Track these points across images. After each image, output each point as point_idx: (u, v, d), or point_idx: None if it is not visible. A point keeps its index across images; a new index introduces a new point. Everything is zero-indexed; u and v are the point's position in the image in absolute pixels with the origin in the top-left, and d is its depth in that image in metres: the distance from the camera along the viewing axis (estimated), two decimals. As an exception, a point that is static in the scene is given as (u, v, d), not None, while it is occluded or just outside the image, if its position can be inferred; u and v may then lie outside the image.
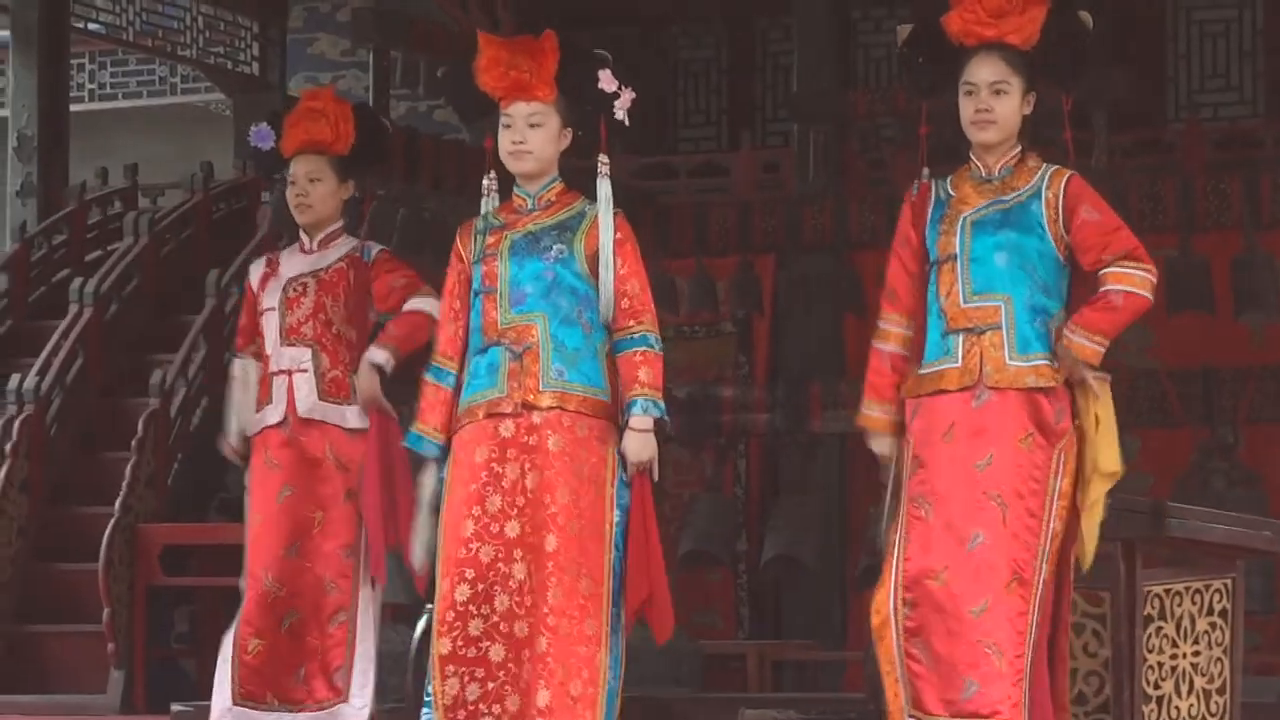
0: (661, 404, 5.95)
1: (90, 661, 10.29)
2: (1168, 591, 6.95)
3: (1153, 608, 6.89)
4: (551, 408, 5.95)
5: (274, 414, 6.87)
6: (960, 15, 5.65)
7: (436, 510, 6.12)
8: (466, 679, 5.94)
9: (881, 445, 5.80)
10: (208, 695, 7.50)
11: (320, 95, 7.11)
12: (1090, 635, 6.83)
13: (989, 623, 5.59)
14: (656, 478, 6.02)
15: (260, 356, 7.05)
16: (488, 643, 5.86)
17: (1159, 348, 11.01)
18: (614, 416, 5.99)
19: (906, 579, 5.64)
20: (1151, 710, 6.86)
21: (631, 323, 6.00)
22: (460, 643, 5.88)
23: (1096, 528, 5.73)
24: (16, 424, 10.41)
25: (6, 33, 13.60)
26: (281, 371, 6.91)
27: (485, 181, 6.22)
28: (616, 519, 5.99)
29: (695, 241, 11.29)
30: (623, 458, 5.93)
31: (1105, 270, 5.52)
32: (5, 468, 10.34)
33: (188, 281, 11.77)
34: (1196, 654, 7.10)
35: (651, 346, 6.00)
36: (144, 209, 12.53)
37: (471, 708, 5.94)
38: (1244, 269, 10.73)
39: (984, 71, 5.58)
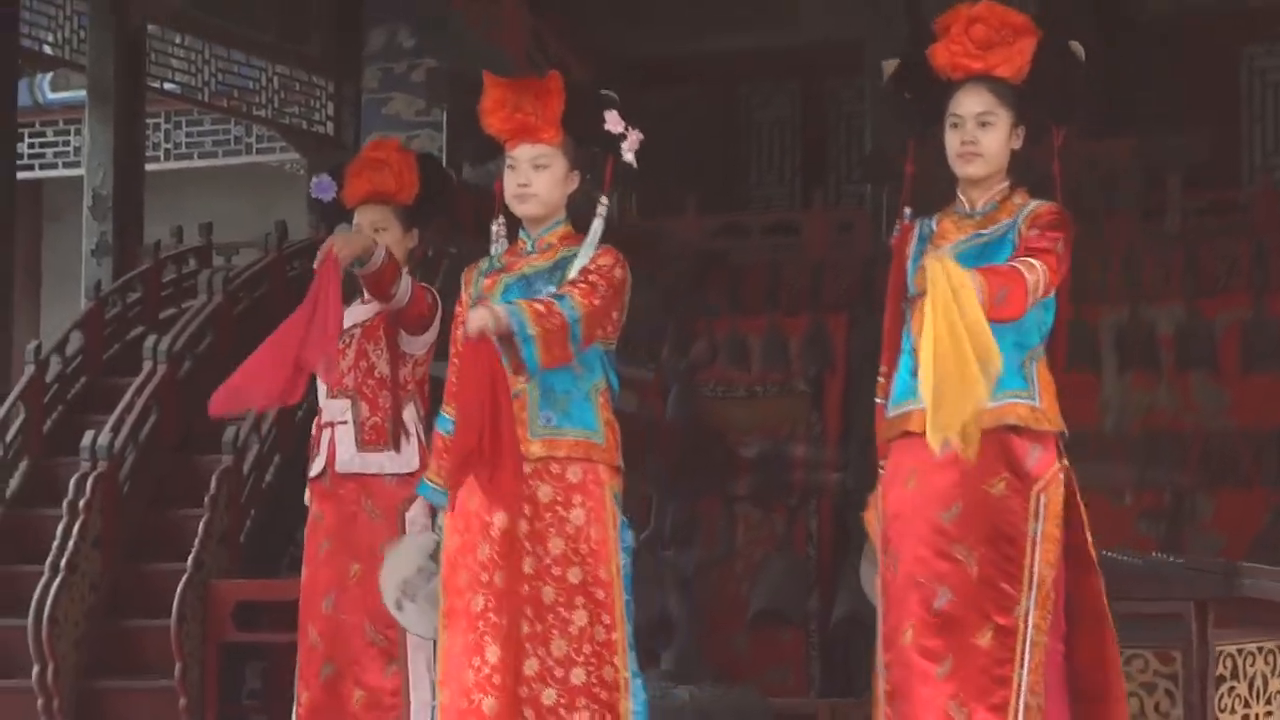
0: (529, 330, 5.80)
1: (161, 718, 10.24)
2: (1240, 651, 7.05)
3: (1225, 667, 7.01)
4: (540, 457, 5.91)
5: (317, 466, 6.91)
6: (947, 47, 5.61)
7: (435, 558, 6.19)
8: None
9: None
10: (278, 750, 7.31)
11: (384, 145, 7.14)
12: (1163, 694, 6.99)
13: (952, 678, 5.51)
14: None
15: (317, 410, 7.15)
16: (479, 695, 5.85)
17: (1234, 408, 10.95)
18: (610, 460, 5.97)
19: (883, 640, 5.59)
20: None
21: (560, 290, 5.97)
22: (456, 692, 5.93)
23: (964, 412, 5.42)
24: (90, 480, 10.31)
25: (83, 92, 13.61)
26: (327, 424, 6.94)
27: (494, 226, 6.22)
28: (622, 562, 5.98)
29: (767, 300, 11.32)
30: (618, 500, 5.92)
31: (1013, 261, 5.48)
32: (79, 524, 10.28)
33: (261, 339, 11.31)
34: (1269, 714, 7.21)
35: (567, 308, 5.86)
36: (218, 267, 12.61)
37: None
38: (1321, 329, 10.75)
39: (970, 103, 5.54)
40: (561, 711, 5.88)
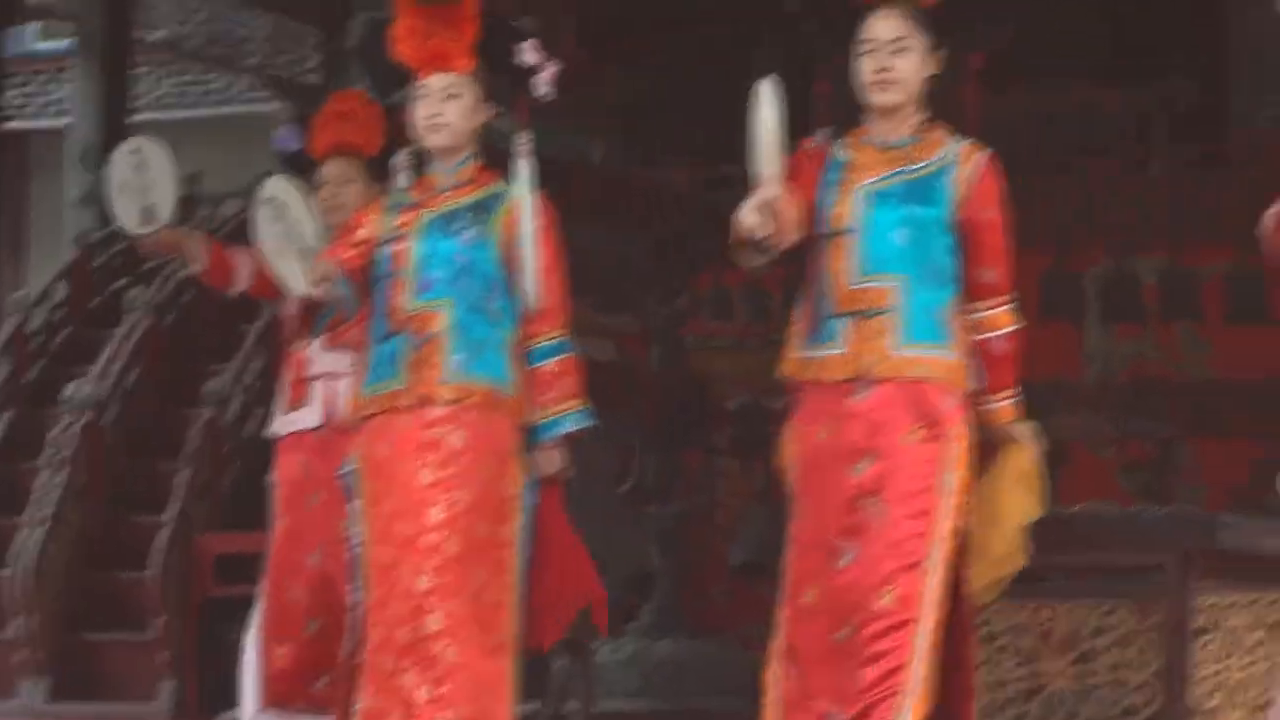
0: (581, 410, 5.85)
1: (143, 670, 10.32)
2: (1220, 604, 7.04)
3: (1205, 620, 6.98)
4: (452, 401, 5.84)
5: (311, 418, 6.78)
6: None
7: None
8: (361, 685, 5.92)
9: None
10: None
11: (349, 97, 7.03)
12: (1141, 647, 7.02)
13: (851, 642, 5.39)
14: (568, 476, 5.91)
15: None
16: (383, 655, 5.83)
17: (1216, 358, 11.02)
18: (519, 414, 5.90)
19: (785, 594, 5.46)
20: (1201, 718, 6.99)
21: (548, 328, 5.90)
22: (374, 643, 5.87)
23: (1000, 574, 5.60)
24: (74, 431, 10.36)
25: (70, 42, 13.79)
26: (321, 376, 6.82)
27: (400, 157, 6.10)
28: (520, 523, 5.91)
29: (750, 253, 11.23)
30: (528, 459, 5.86)
31: (981, 314, 5.40)
32: (64, 474, 10.30)
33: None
34: (1250, 666, 7.13)
35: (568, 352, 5.89)
36: (203, 217, 12.30)
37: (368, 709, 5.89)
38: (1306, 280, 10.44)
39: (883, 28, 5.39)
40: (451, 671, 5.85)
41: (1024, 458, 5.47)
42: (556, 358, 5.88)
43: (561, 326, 5.89)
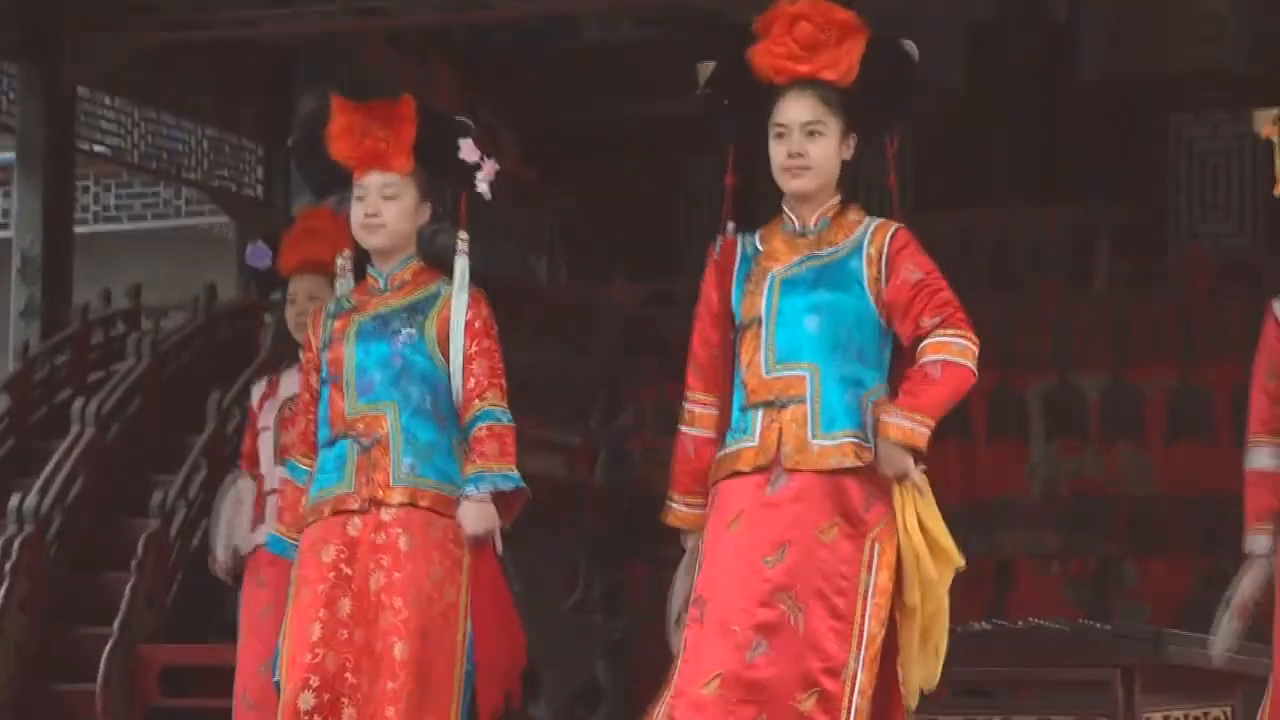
0: (510, 474, 5.69)
1: None
2: (1166, 718, 7.17)
3: None
4: (402, 504, 5.71)
5: (265, 534, 6.77)
6: (769, 49, 5.27)
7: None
8: None
9: (689, 542, 5.35)
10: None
11: (317, 215, 6.98)
12: None
13: None
14: (499, 550, 5.74)
15: (257, 478, 7.07)
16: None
17: (1159, 476, 11.02)
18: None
19: (675, 689, 5.19)
20: None
21: (476, 401, 5.74)
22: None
23: (932, 655, 5.31)
24: (16, 544, 10.10)
25: (11, 154, 13.33)
26: (273, 491, 6.81)
27: (339, 260, 6.02)
28: (469, 629, 5.80)
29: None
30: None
31: (924, 342, 5.13)
32: (4, 587, 10.07)
33: (190, 403, 11.55)
34: None
35: (499, 420, 5.70)
36: (147, 330, 12.43)
37: None
38: (1245, 396, 10.62)
39: (796, 111, 5.20)
40: None
41: (925, 508, 5.20)
42: (486, 424, 5.74)
43: (492, 402, 5.74)
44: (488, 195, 5.78)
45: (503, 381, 5.69)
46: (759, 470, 5.06)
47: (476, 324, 5.66)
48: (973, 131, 12.93)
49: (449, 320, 5.68)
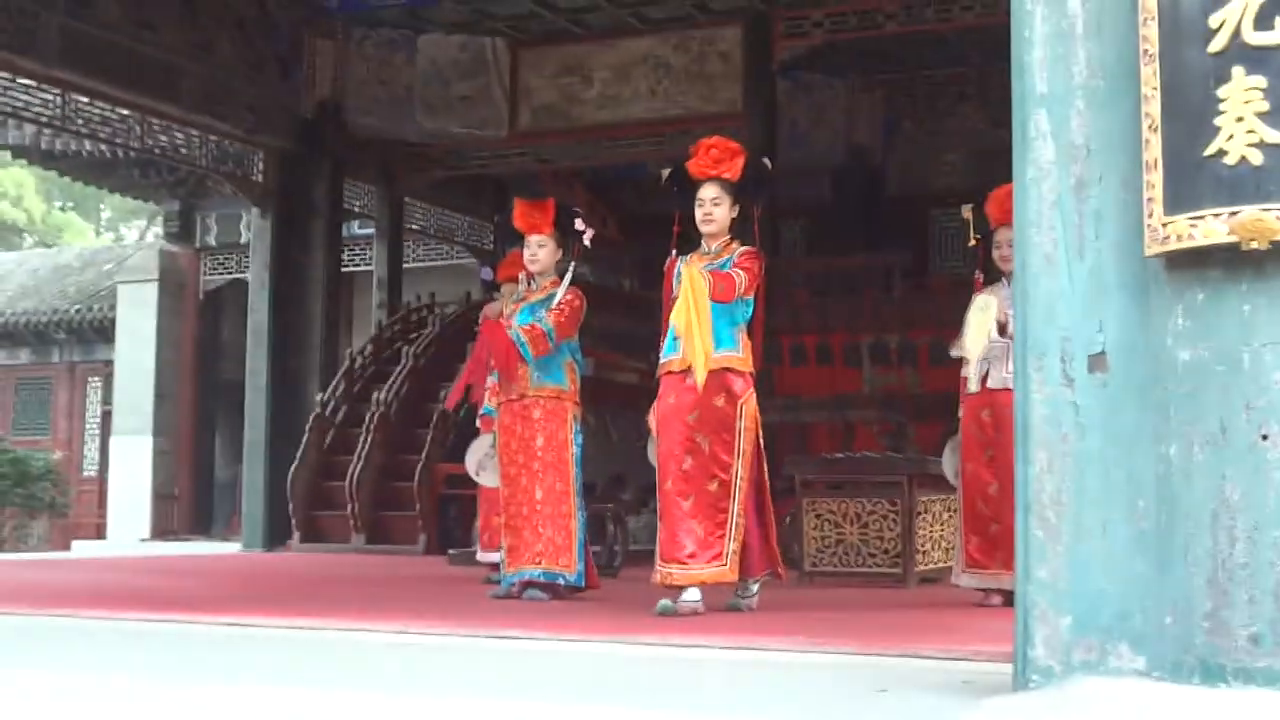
0: (523, 339, 7.01)
1: (409, 531, 14.20)
2: (926, 499, 9.05)
3: (921, 508, 9.00)
4: (534, 395, 7.20)
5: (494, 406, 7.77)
6: (697, 161, 6.48)
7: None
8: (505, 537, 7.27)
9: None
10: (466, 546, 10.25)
11: (512, 256, 8.14)
12: (891, 521, 8.95)
13: (693, 510, 6.35)
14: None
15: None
16: (523, 508, 7.25)
17: (924, 383, 13.53)
18: (572, 399, 7.30)
19: (657, 488, 6.52)
20: (920, 555, 8.95)
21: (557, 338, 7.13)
22: (510, 514, 7.20)
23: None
24: (376, 416, 14.35)
25: (371, 230, 18.00)
26: (491, 387, 8.06)
27: (522, 277, 7.46)
28: (575, 451, 7.28)
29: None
30: (577, 420, 7.22)
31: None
32: (370, 437, 14.30)
33: (458, 343, 14.72)
34: (937, 528, 9.24)
35: (542, 322, 7.11)
36: (437, 314, 16.23)
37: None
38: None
39: (708, 191, 6.43)
40: (540, 526, 7.25)
41: (695, 291, 6.30)
42: (531, 322, 7.19)
43: (559, 336, 7.18)
44: (589, 245, 7.22)
45: (563, 320, 7.08)
46: (681, 371, 6.37)
47: (561, 302, 7.13)
48: (833, 218, 17.81)
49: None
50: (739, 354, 6.43)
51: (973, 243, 7.37)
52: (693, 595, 6.42)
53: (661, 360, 6.57)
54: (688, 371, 6.31)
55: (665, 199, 6.96)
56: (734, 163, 6.56)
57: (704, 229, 6.55)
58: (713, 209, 6.50)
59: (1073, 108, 3.77)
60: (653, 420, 6.62)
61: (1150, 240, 3.57)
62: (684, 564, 6.38)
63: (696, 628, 5.84)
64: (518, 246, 7.72)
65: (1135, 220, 3.67)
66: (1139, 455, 3.66)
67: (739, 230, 6.70)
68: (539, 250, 7.44)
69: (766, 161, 6.65)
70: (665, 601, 6.39)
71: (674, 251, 6.60)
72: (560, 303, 7.23)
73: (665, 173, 6.68)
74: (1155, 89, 3.54)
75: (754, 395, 6.51)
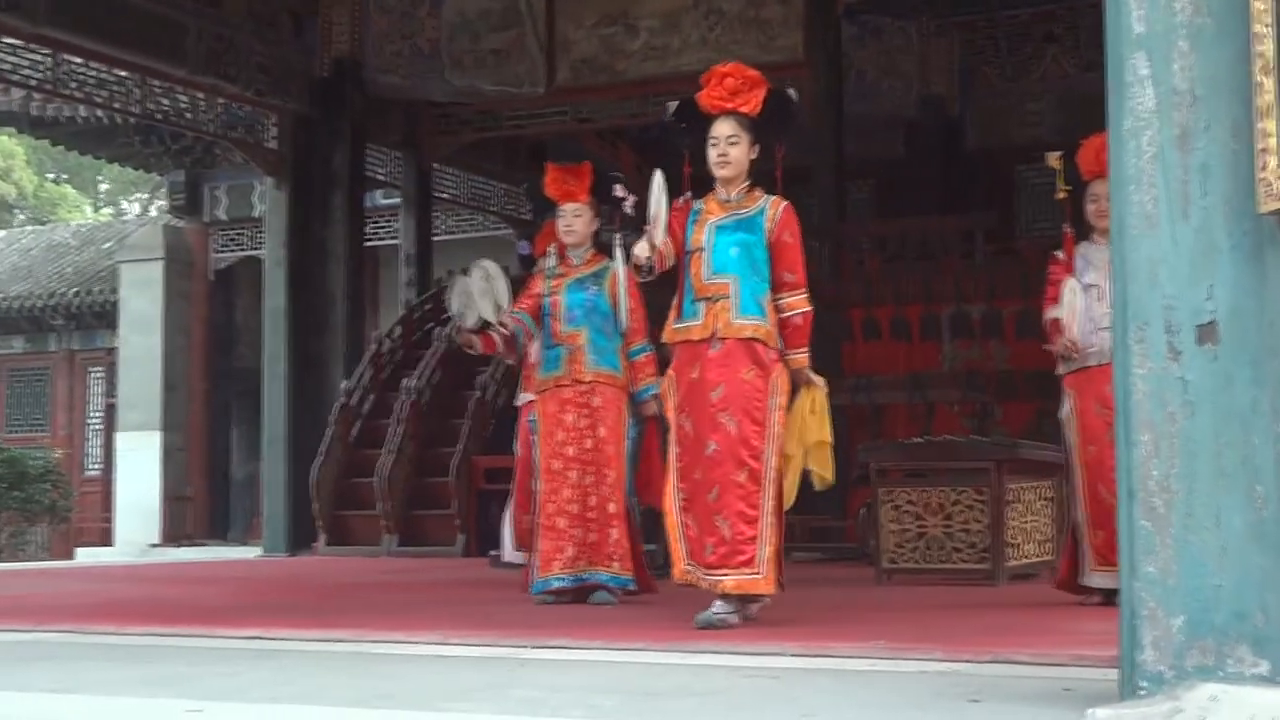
0: (657, 383, 7.03)
1: (445, 530, 14.12)
2: (1017, 488, 8.95)
3: (1011, 496, 8.85)
4: (592, 381, 7.30)
5: (531, 395, 8.00)
6: (709, 93, 6.27)
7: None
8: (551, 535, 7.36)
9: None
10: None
11: (548, 226, 7.96)
12: (979, 511, 8.78)
13: (719, 504, 6.11)
14: (657, 414, 7.06)
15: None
16: (570, 506, 7.35)
17: (1012, 359, 13.21)
18: (625, 386, 7.43)
19: (679, 473, 6.23)
20: (1010, 550, 8.84)
21: (636, 339, 7.35)
22: (549, 512, 7.34)
23: (796, 477, 6.17)
24: (407, 405, 14.31)
25: (398, 200, 18.13)
26: (535, 364, 7.94)
27: (551, 250, 7.46)
28: (630, 440, 7.52)
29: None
30: (632, 409, 7.41)
31: (783, 299, 6.18)
32: (402, 428, 14.27)
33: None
34: (1031, 519, 9.10)
35: (649, 351, 7.34)
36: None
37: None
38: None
39: (723, 129, 6.22)
40: (602, 509, 7.40)
41: (816, 395, 6.22)
42: (643, 355, 7.42)
43: (643, 337, 7.36)
44: (631, 214, 7.08)
45: (647, 321, 7.26)
46: (704, 341, 6.16)
47: (630, 286, 7.17)
48: (906, 176, 17.48)
49: (616, 282, 7.22)
50: (766, 324, 6.25)
51: (1061, 195, 7.29)
52: (724, 608, 6.30)
53: (676, 325, 6.38)
54: (710, 340, 6.18)
55: (679, 139, 6.74)
56: (753, 94, 6.35)
57: (718, 172, 6.37)
58: (728, 148, 6.33)
59: (1175, 49, 3.76)
60: (668, 395, 6.45)
61: (1265, 195, 3.56)
62: (712, 568, 6.23)
63: (763, 635, 5.81)
64: (552, 216, 7.72)
65: (1247, 174, 3.64)
66: (1256, 435, 3.63)
67: (752, 172, 6.52)
68: (574, 220, 7.48)
69: (792, 92, 6.43)
70: (700, 614, 6.31)
71: (688, 194, 6.39)
72: (631, 306, 7.26)
73: (671, 105, 6.50)
74: (1269, 26, 3.53)
75: (785, 370, 6.30)
